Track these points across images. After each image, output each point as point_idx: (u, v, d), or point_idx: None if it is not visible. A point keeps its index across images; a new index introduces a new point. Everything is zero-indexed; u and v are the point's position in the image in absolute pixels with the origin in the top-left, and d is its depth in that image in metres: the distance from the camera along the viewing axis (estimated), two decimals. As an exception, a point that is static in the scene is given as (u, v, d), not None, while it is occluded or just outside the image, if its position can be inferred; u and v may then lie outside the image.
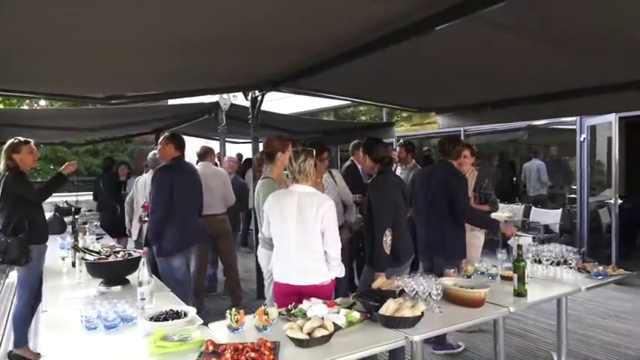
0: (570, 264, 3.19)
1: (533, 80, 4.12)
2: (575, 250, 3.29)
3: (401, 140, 6.59)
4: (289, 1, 2.43)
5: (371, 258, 3.14)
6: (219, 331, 2.20)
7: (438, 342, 3.81)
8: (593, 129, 6.54)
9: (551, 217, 6.85)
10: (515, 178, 9.84)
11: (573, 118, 6.56)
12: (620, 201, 5.98)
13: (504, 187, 9.90)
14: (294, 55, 3.71)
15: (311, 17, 2.70)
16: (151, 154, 5.03)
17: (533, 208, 7.27)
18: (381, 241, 3.05)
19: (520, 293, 2.73)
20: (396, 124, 16.70)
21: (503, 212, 7.21)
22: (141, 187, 4.95)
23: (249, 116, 5.34)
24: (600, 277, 3.13)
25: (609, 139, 7.87)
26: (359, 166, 5.01)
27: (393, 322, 2.20)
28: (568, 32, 2.85)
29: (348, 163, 5.29)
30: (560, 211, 6.90)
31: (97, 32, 2.67)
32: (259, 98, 5.12)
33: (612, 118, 5.77)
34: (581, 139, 6.51)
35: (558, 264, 3.23)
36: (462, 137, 8.61)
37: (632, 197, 8.19)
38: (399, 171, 5.57)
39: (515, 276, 2.75)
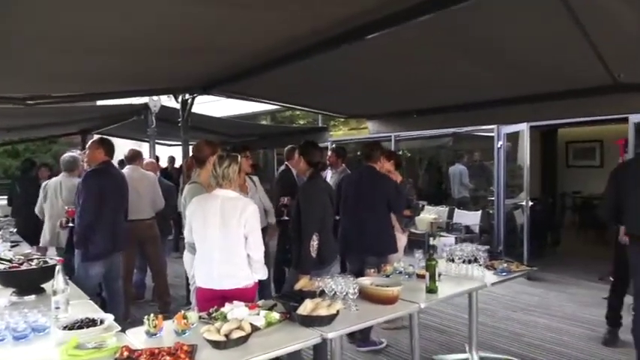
0: (480, 262, 3.47)
1: (454, 91, 4.41)
2: (483, 249, 3.57)
3: (332, 145, 6.77)
4: (219, 6, 2.48)
5: (297, 261, 3.24)
6: (136, 337, 2.19)
7: (362, 339, 3.98)
8: (511, 136, 7.06)
9: (471, 218, 7.32)
10: (442, 182, 10.42)
11: (492, 126, 7.05)
12: (531, 203, 6.49)
13: (432, 191, 10.47)
14: (224, 59, 3.74)
15: (241, 22, 2.76)
16: (66, 156, 4.87)
17: (456, 210, 7.72)
18: (308, 245, 3.16)
19: (432, 290, 2.94)
20: (334, 128, 17.03)
21: (430, 214, 7.62)
22: (53, 192, 4.78)
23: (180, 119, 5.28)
24: (505, 274, 3.43)
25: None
26: (293, 171, 5.10)
27: (309, 321, 2.31)
28: (482, 49, 3.14)
29: (282, 167, 5.37)
30: (479, 212, 7.39)
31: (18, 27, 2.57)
32: (189, 101, 5.09)
33: (524, 126, 6.28)
34: (498, 146, 7.01)
35: (470, 262, 3.49)
36: (393, 142, 9.00)
37: (545, 199, 8.95)
38: (329, 175, 5.74)
39: (427, 274, 2.96)
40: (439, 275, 3.14)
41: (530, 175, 6.64)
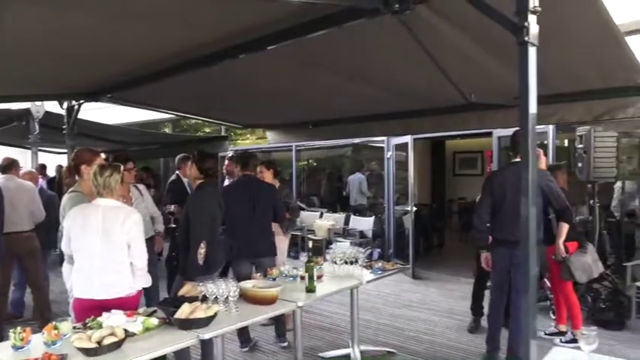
0: (359, 263, 3.79)
1: (347, 104, 4.77)
2: (363, 251, 3.91)
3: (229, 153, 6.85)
4: (108, 15, 2.51)
5: (184, 267, 3.31)
6: (2, 352, 2.14)
7: (243, 340, 4.15)
8: (402, 147, 7.64)
9: (365, 224, 7.80)
10: (343, 190, 10.92)
11: (383, 138, 7.61)
12: (415, 208, 7.08)
13: (333, 198, 10.92)
14: (112, 68, 3.72)
15: (130, 32, 2.81)
16: None
17: (352, 216, 8.17)
18: (195, 252, 3.24)
19: (310, 290, 3.17)
20: (241, 137, 17.02)
21: (328, 221, 7.99)
22: None
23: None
24: (380, 272, 3.79)
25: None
26: (184, 180, 5.11)
27: (187, 324, 2.41)
28: (358, 70, 3.50)
29: (173, 177, 5.35)
30: (372, 218, 7.90)
31: None
32: (76, 107, 4.91)
33: (409, 138, 6.88)
34: (388, 156, 7.58)
35: (351, 263, 3.79)
36: (294, 152, 9.32)
37: (431, 205, 9.79)
38: (226, 183, 5.82)
39: (307, 275, 3.19)
40: (319, 276, 3.42)
41: (421, 182, 7.28)
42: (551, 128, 5.60)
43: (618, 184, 5.59)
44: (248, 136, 15.38)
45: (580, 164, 4.95)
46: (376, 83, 3.91)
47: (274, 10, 2.53)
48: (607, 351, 3.73)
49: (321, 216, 8.40)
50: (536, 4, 1.86)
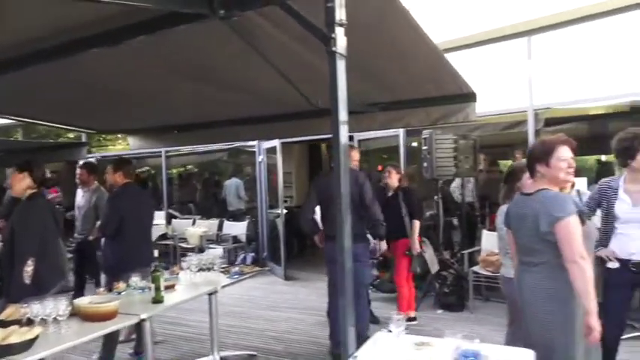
0: (214, 268, 3.75)
1: (211, 109, 4.68)
2: (220, 256, 3.89)
3: (80, 161, 6.33)
4: None
5: (7, 288, 2.98)
6: None
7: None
8: (273, 150, 7.74)
9: (239, 228, 7.75)
10: (220, 195, 10.73)
11: (254, 142, 7.65)
12: (285, 211, 7.24)
13: (208, 204, 10.69)
14: None
15: None
16: None
17: (225, 221, 8.08)
18: (21, 270, 2.93)
19: (157, 300, 3.07)
20: (110, 142, 15.82)
21: (201, 228, 7.79)
22: None
23: None
24: (237, 277, 3.80)
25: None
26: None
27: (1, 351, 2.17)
28: (217, 75, 3.47)
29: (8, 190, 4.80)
30: (246, 223, 7.88)
31: None
32: None
33: (277, 142, 7.00)
34: (259, 160, 7.63)
35: (208, 269, 3.74)
36: (163, 158, 8.95)
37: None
38: (80, 194, 5.38)
39: (153, 286, 3.08)
40: (171, 286, 3.34)
41: (299, 185, 7.42)
42: (401, 132, 6.12)
43: (457, 180, 6.30)
44: (120, 141, 14.40)
45: (425, 164, 5.48)
46: (234, 88, 3.90)
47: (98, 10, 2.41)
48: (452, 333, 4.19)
49: (193, 223, 8.16)
50: (343, 17, 2.02)
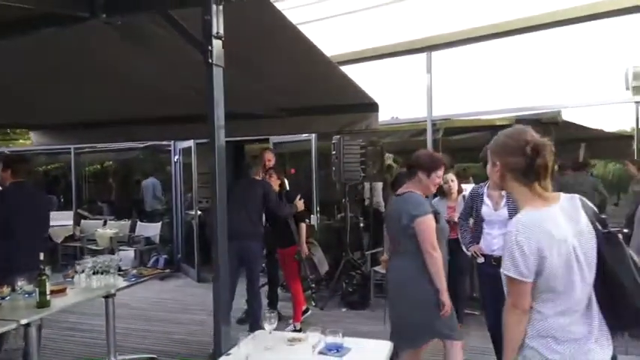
0: (111, 271, 3.69)
1: (114, 107, 4.57)
2: (116, 259, 3.83)
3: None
4: None
5: None
6: None
7: None
8: (186, 151, 7.65)
9: (153, 230, 7.59)
10: (136, 195, 10.39)
11: (170, 142, 7.53)
12: (200, 212, 7.18)
13: (125, 204, 10.33)
14: None
15: None
16: None
17: (138, 222, 7.86)
18: None
19: (42, 304, 2.99)
20: (22, 136, 14.80)
21: (112, 229, 7.53)
22: None
23: None
24: (134, 279, 3.78)
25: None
26: None
27: None
28: (123, 78, 3.42)
29: None
30: (160, 224, 7.73)
31: None
32: None
33: (192, 143, 6.95)
34: (175, 160, 7.52)
35: (103, 272, 3.67)
36: (72, 155, 8.55)
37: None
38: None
39: (37, 290, 2.99)
40: (62, 290, 3.26)
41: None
42: (313, 137, 6.34)
43: (367, 184, 6.62)
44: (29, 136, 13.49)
45: (334, 168, 5.71)
46: (137, 87, 3.87)
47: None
48: (352, 328, 4.39)
49: (104, 224, 7.86)
50: (221, 30, 2.12)
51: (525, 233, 1.53)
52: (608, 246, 1.59)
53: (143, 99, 4.27)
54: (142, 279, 3.89)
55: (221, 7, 2.09)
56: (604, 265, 1.59)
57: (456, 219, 4.09)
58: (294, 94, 4.22)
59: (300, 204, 4.55)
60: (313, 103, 4.50)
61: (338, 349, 2.13)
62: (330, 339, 2.14)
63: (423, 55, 5.63)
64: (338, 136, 5.58)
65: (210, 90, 2.12)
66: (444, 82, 5.87)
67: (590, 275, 1.59)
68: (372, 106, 4.52)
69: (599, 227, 1.61)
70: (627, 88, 6.21)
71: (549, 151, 1.61)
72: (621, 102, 6.15)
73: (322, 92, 4.13)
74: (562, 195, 1.65)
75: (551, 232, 1.53)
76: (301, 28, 2.94)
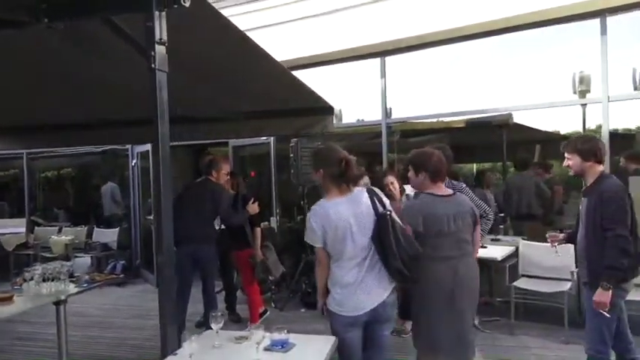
0: (61, 277, 3.64)
1: (67, 111, 4.52)
2: (67, 265, 3.78)
3: None
4: None
5: None
6: None
7: None
8: (144, 154, 7.55)
9: (110, 235, 7.45)
10: (94, 201, 10.16)
11: (127, 146, 7.43)
12: (150, 217, 7.08)
13: (83, 210, 10.08)
14: None
15: None
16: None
17: (95, 228, 7.71)
18: None
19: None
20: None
21: (67, 236, 7.35)
22: None
23: None
24: (86, 285, 3.74)
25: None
26: None
27: None
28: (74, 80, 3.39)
29: None
30: (117, 229, 7.59)
31: None
32: None
33: (149, 146, 6.87)
34: (132, 164, 7.43)
35: (53, 279, 3.62)
36: (25, 160, 8.34)
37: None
38: None
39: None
40: (8, 298, 3.21)
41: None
42: (272, 140, 6.41)
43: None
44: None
45: (293, 171, 5.79)
46: (88, 90, 3.86)
47: None
48: (310, 328, 4.43)
49: (60, 231, 7.67)
50: (164, 36, 2.17)
51: (315, 217, 2.44)
52: (381, 222, 2.41)
53: (97, 102, 4.25)
54: (95, 284, 3.81)
55: (164, 13, 2.14)
56: (378, 234, 2.40)
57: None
58: (250, 98, 4.29)
59: (254, 207, 4.59)
60: (269, 107, 4.59)
61: (283, 344, 2.21)
62: (276, 335, 2.22)
63: (377, 60, 5.81)
64: (296, 139, 5.66)
65: (153, 95, 2.16)
66: (400, 87, 6.07)
67: (362, 242, 2.41)
68: (327, 110, 4.65)
69: (380, 209, 2.44)
70: (574, 92, 6.57)
71: (354, 164, 2.47)
72: (569, 104, 6.44)
73: (276, 96, 4.22)
74: (356, 189, 2.51)
75: (330, 215, 2.40)
76: (255, 33, 3.04)
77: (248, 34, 2.88)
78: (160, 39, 2.15)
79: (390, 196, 4.70)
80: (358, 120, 6.99)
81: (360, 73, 6.59)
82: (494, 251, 4.73)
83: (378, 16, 5.85)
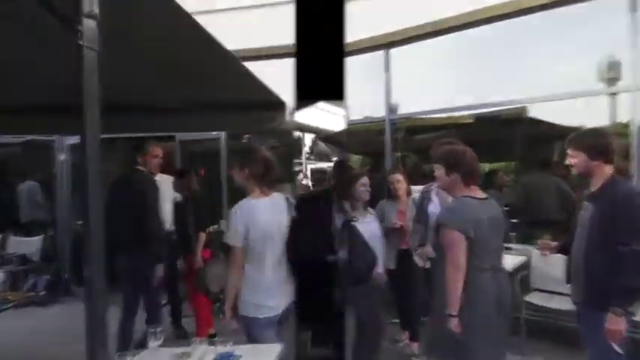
0: None
1: None
2: (2, 281, 3.87)
3: None
4: None
5: None
6: None
7: None
8: (75, 147, 7.56)
9: (30, 245, 7.45)
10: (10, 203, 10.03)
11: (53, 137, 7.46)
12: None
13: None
14: None
15: None
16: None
17: (12, 237, 7.70)
18: None
19: None
20: None
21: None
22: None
23: None
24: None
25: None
26: None
27: None
28: None
29: None
30: (41, 238, 7.59)
31: None
32: None
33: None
34: (62, 159, 7.46)
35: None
36: None
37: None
38: None
39: None
40: None
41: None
42: (223, 135, 6.65)
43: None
44: None
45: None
46: (13, 69, 3.93)
47: None
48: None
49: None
50: (95, 9, 2.30)
51: (239, 213, 3.05)
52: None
53: (18, 84, 4.30)
54: (6, 306, 3.90)
55: (95, -18, 2.27)
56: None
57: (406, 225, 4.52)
58: (195, 88, 4.40)
59: None
60: (216, 99, 4.73)
61: (229, 357, 2.42)
62: (220, 349, 2.43)
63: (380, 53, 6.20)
64: (248, 136, 5.90)
65: (80, 77, 2.28)
66: (405, 81, 6.39)
67: (279, 248, 3.13)
68: (278, 105, 4.78)
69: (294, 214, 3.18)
70: (601, 80, 6.77)
71: (273, 165, 3.20)
72: (595, 94, 6.53)
73: (225, 87, 4.35)
74: (276, 193, 3.25)
75: (255, 213, 3.06)
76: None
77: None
78: (90, 11, 2.27)
79: (393, 195, 4.89)
80: (365, 117, 7.32)
81: (363, 68, 6.87)
82: (504, 261, 4.91)
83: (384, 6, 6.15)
